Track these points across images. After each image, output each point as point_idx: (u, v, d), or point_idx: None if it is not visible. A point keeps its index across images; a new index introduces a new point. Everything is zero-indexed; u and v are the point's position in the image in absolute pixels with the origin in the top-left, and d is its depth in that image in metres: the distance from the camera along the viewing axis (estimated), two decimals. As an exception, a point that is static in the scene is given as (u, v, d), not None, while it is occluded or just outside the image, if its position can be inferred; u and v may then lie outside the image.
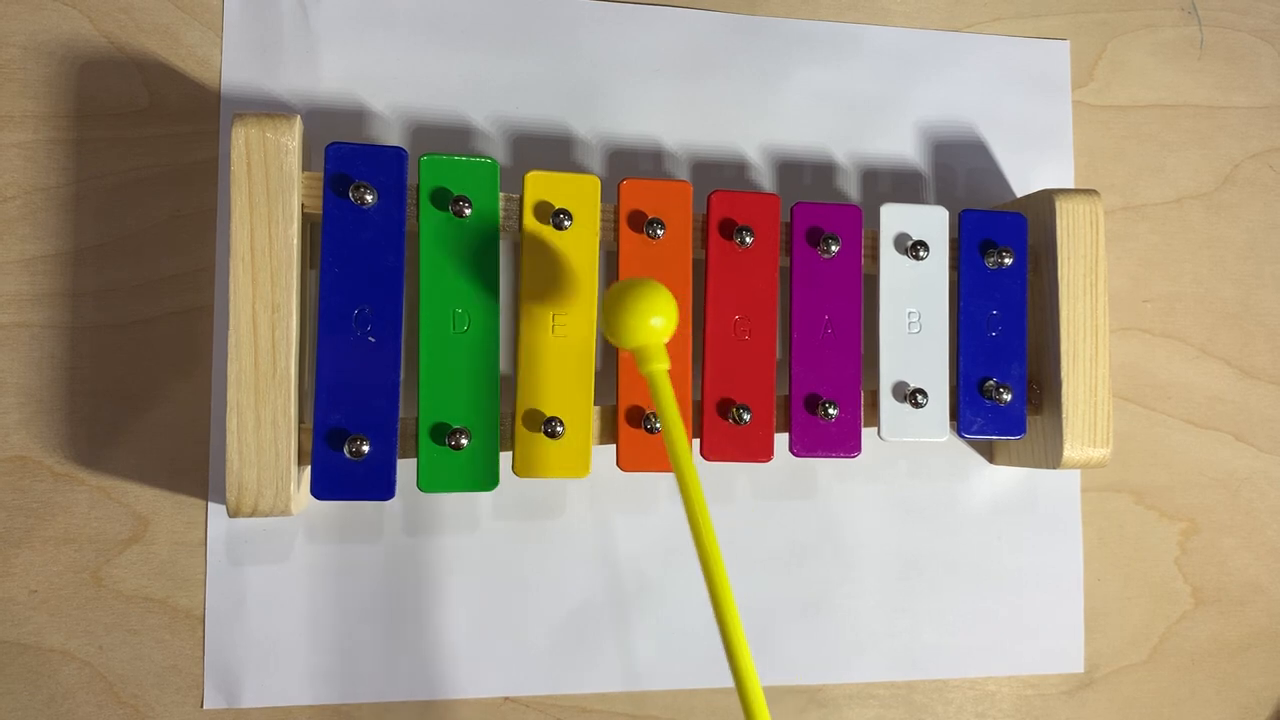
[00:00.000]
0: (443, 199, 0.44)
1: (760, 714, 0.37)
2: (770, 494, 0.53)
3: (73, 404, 0.48)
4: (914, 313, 0.49)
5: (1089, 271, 0.50)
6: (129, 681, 0.47)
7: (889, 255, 0.49)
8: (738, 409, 0.46)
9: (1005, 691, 0.55)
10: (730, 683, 0.52)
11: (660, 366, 0.40)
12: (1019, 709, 0.55)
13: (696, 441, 0.47)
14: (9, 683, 0.46)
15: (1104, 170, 0.58)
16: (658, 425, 0.45)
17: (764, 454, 0.47)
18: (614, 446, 0.46)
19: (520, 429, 0.45)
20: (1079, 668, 0.55)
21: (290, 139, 0.43)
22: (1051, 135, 0.57)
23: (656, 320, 0.40)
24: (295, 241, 0.43)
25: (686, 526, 0.52)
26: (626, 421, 0.46)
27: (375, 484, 0.43)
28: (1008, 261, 0.49)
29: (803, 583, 0.53)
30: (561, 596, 0.51)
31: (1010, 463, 0.54)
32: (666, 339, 0.41)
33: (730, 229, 0.47)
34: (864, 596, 0.53)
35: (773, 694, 0.52)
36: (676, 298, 0.46)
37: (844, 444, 0.48)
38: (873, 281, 0.49)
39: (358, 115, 0.51)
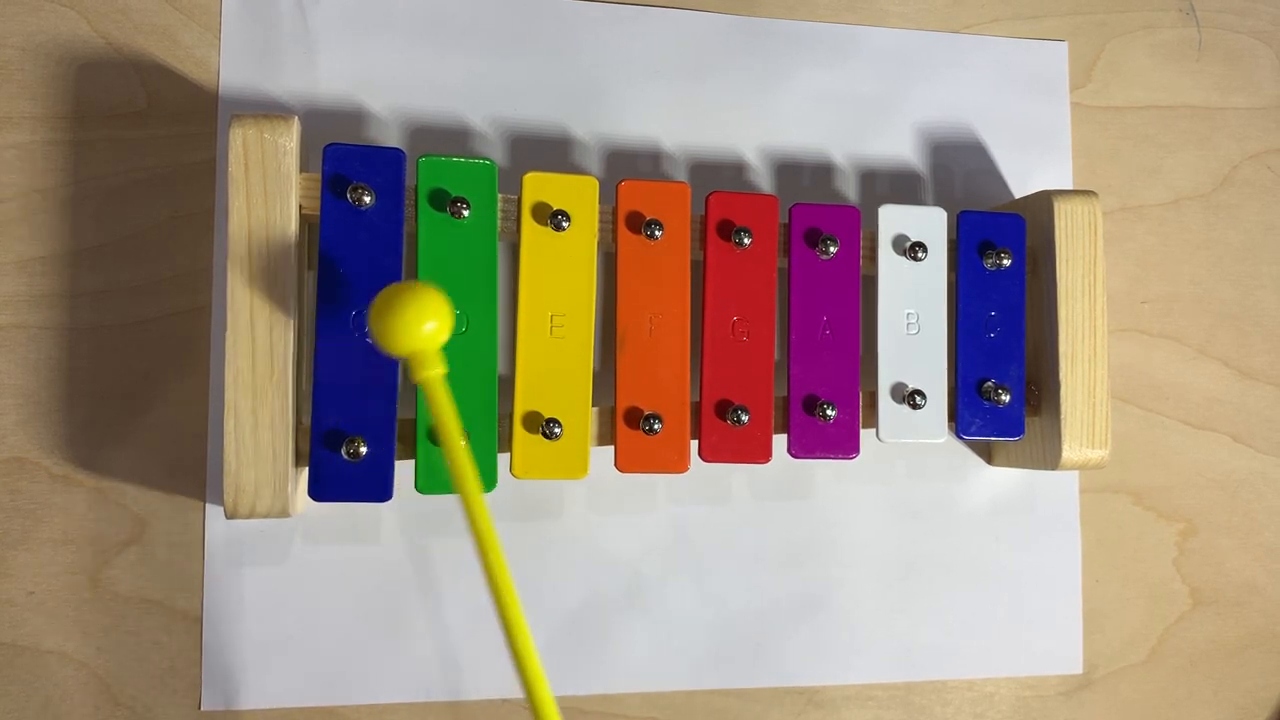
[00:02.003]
0: (441, 200, 0.44)
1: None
2: (769, 495, 0.53)
3: (70, 405, 0.48)
4: (912, 314, 0.49)
5: (1087, 272, 0.50)
6: (126, 683, 0.47)
7: (887, 256, 0.49)
8: (736, 410, 0.46)
9: (1003, 692, 0.55)
10: (730, 683, 0.52)
11: (435, 373, 0.38)
12: (1017, 710, 0.55)
13: (695, 442, 0.47)
14: (6, 684, 0.46)
15: (1102, 171, 0.58)
16: (656, 426, 0.45)
17: (762, 455, 0.47)
18: (612, 448, 0.46)
19: (518, 430, 0.45)
20: (1077, 669, 0.55)
21: (288, 140, 0.43)
22: (1050, 136, 0.57)
23: (429, 325, 0.38)
24: (293, 243, 0.43)
25: (705, 525, 0.52)
26: (625, 423, 0.46)
27: (373, 485, 0.43)
28: (1006, 262, 0.49)
29: (801, 584, 0.53)
30: (559, 597, 0.51)
31: (1009, 464, 0.54)
32: (441, 344, 0.39)
33: (729, 230, 0.47)
34: (862, 598, 0.53)
35: (771, 695, 0.52)
36: (675, 299, 0.46)
37: (842, 445, 0.48)
38: (871, 282, 0.49)
39: (356, 116, 0.51)
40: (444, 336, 0.39)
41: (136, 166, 0.49)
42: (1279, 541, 0.58)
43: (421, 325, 0.38)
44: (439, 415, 0.38)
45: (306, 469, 0.44)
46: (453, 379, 0.44)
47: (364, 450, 0.42)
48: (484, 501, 0.37)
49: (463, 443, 0.38)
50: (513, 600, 0.37)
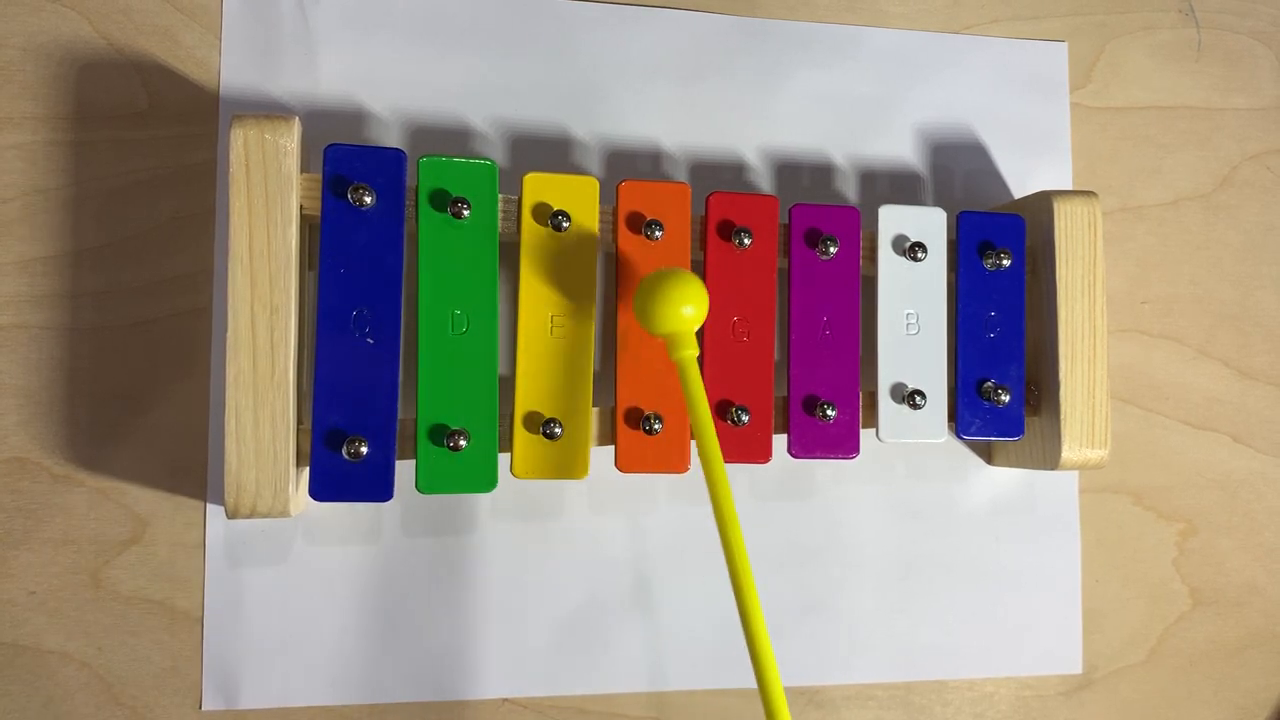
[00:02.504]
0: (441, 200, 0.44)
1: (781, 714, 0.38)
2: (768, 495, 0.53)
3: (72, 405, 0.48)
4: (912, 314, 0.49)
5: (1087, 273, 0.50)
6: (127, 683, 0.47)
7: (887, 257, 0.49)
8: (736, 410, 0.46)
9: (1003, 692, 0.55)
10: (729, 684, 0.52)
11: (690, 353, 0.42)
12: (1017, 710, 0.55)
13: (695, 443, 0.47)
14: (7, 684, 0.46)
15: (1102, 172, 0.58)
16: (656, 426, 0.45)
17: (762, 455, 0.47)
18: (612, 448, 0.46)
19: (519, 430, 0.45)
20: (1077, 669, 0.55)
21: (289, 140, 0.43)
22: (1049, 137, 0.57)
23: (688, 309, 0.42)
24: (294, 243, 0.43)
25: (705, 525, 0.52)
26: (625, 423, 0.46)
27: (374, 485, 0.43)
28: (1006, 263, 0.49)
29: (801, 584, 0.53)
30: (560, 598, 0.51)
31: (1008, 464, 0.54)
32: (697, 327, 0.43)
33: (729, 230, 0.47)
34: (862, 598, 0.53)
35: (771, 695, 0.52)
36: (675, 299, 0.46)
37: (842, 445, 0.48)
38: (871, 283, 0.49)
39: (356, 117, 0.51)
40: (699, 321, 0.43)
41: (138, 167, 0.49)
42: (1279, 542, 0.59)
43: (681, 308, 0.42)
44: (690, 394, 0.41)
45: (307, 469, 0.44)
46: (453, 379, 0.44)
47: (365, 450, 0.42)
48: (728, 481, 0.40)
49: (711, 424, 0.41)
50: (749, 580, 0.39)
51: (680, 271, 0.43)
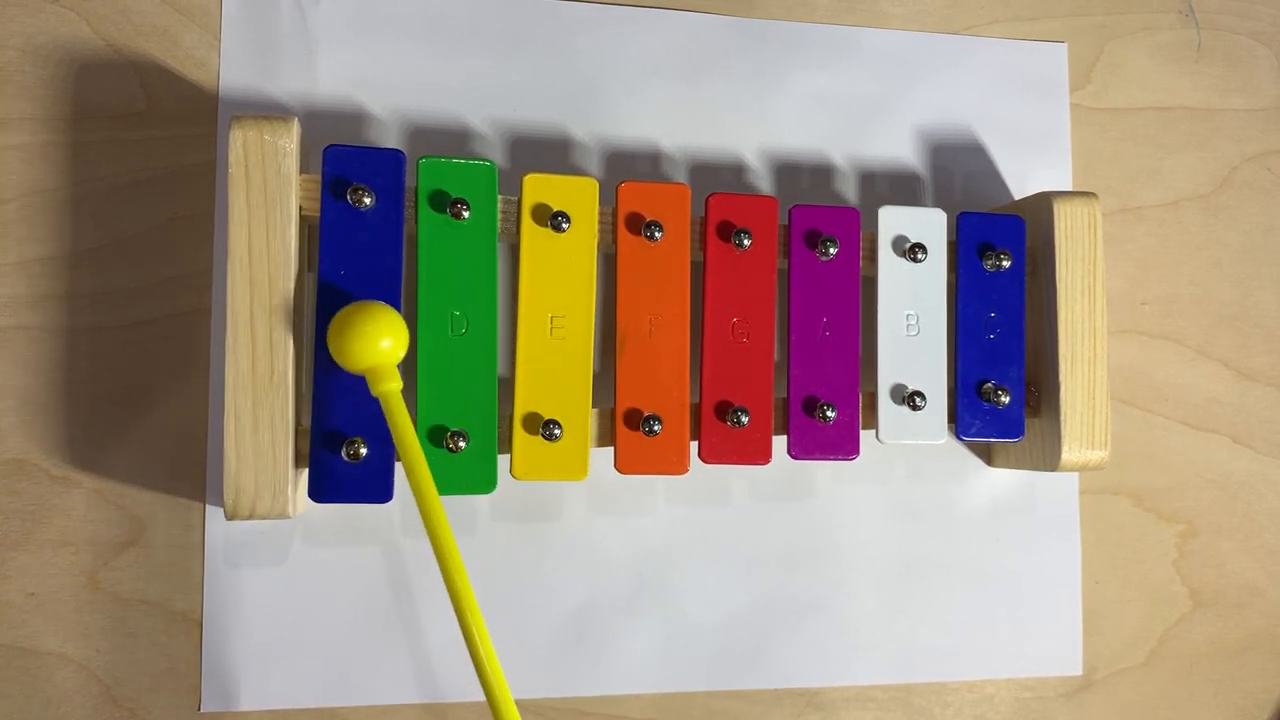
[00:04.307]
0: (441, 201, 0.44)
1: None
2: (768, 496, 0.53)
3: (70, 406, 0.48)
4: (912, 315, 0.49)
5: (1087, 274, 0.50)
6: (126, 684, 0.47)
7: (887, 257, 0.49)
8: (736, 411, 0.46)
9: (1003, 694, 0.54)
10: (730, 685, 0.52)
11: (393, 386, 0.41)
12: (1017, 711, 0.55)
13: (695, 444, 0.47)
14: (5, 685, 0.46)
15: (1101, 172, 0.58)
16: (656, 428, 0.45)
17: (762, 456, 0.47)
18: (612, 449, 0.46)
19: (518, 431, 0.45)
20: (1077, 670, 0.55)
21: (288, 141, 0.43)
22: (1049, 138, 0.57)
23: (385, 342, 0.41)
24: (293, 244, 0.43)
25: (705, 526, 0.52)
26: (624, 424, 0.46)
27: (373, 486, 0.43)
28: (1006, 264, 0.49)
29: (800, 585, 0.53)
30: (559, 599, 0.51)
31: (1008, 465, 0.54)
32: (397, 360, 0.41)
33: (728, 231, 0.47)
34: (862, 599, 0.53)
35: (771, 696, 0.52)
36: (675, 300, 0.46)
37: (842, 446, 0.48)
38: (871, 284, 0.49)
39: (356, 118, 0.51)
40: (399, 354, 0.41)
41: (137, 168, 0.49)
42: (1279, 543, 0.58)
43: (378, 342, 0.40)
44: (397, 430, 0.40)
45: (306, 470, 0.44)
46: (453, 380, 0.44)
47: (364, 451, 0.42)
48: (443, 510, 0.40)
49: (421, 454, 0.40)
50: (472, 604, 0.39)
51: (374, 304, 0.41)
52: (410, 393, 0.45)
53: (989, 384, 0.49)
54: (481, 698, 0.50)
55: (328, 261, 0.43)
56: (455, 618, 0.39)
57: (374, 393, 0.41)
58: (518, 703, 0.50)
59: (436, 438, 0.44)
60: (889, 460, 0.54)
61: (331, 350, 0.41)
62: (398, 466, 0.44)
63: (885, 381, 0.48)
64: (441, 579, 0.39)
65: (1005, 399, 0.48)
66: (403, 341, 0.41)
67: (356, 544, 0.49)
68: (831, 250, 0.47)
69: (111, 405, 0.48)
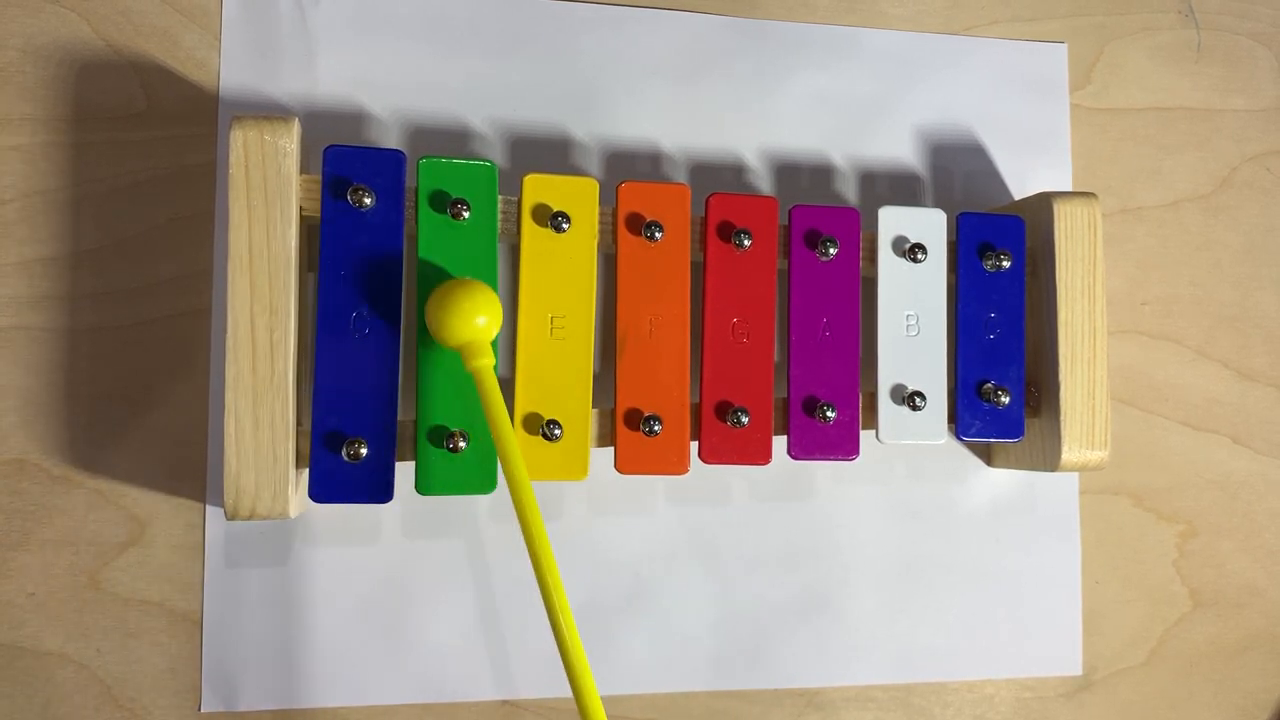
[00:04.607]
0: (441, 202, 0.44)
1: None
2: (768, 496, 0.53)
3: (70, 407, 0.48)
4: (912, 315, 0.49)
5: (1087, 274, 0.50)
6: (126, 684, 0.47)
7: (887, 258, 0.49)
8: (736, 411, 0.46)
9: (1003, 694, 0.55)
10: (730, 685, 0.52)
11: (486, 362, 0.41)
12: (1017, 711, 0.55)
13: (695, 444, 0.47)
14: (6, 685, 0.46)
15: (1101, 173, 0.58)
16: (656, 428, 0.45)
17: (762, 456, 0.47)
18: (612, 449, 0.46)
19: (518, 431, 0.45)
20: (1077, 670, 0.55)
21: (288, 142, 0.43)
22: (1049, 138, 0.57)
23: (481, 319, 0.41)
24: (293, 244, 0.43)
25: (704, 526, 0.52)
26: (625, 424, 0.46)
27: (373, 487, 0.43)
28: (1005, 264, 0.49)
29: (801, 585, 0.53)
30: (560, 599, 0.51)
31: (1008, 465, 0.54)
32: (491, 337, 0.42)
33: (728, 232, 0.47)
34: (862, 599, 0.53)
35: (771, 696, 0.52)
36: (675, 300, 0.46)
37: (842, 446, 0.48)
38: (871, 284, 0.49)
39: (356, 118, 0.51)
40: (493, 331, 0.42)
41: (137, 168, 0.49)
42: (1279, 543, 0.58)
43: (474, 319, 0.41)
44: (488, 403, 0.41)
45: (306, 470, 0.44)
46: (453, 380, 0.44)
47: (364, 452, 0.42)
48: (531, 491, 0.40)
49: (511, 432, 0.41)
50: (558, 585, 0.39)
51: (472, 281, 0.42)
52: (409, 393, 0.45)
53: (989, 384, 0.49)
54: (479, 697, 0.50)
55: (328, 261, 0.43)
56: (541, 599, 0.39)
57: (468, 368, 0.41)
58: (518, 702, 0.50)
59: (436, 438, 0.44)
60: (889, 460, 0.54)
61: (429, 325, 0.42)
62: (398, 466, 0.44)
63: (885, 382, 0.48)
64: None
65: (1005, 399, 0.48)
66: (497, 319, 0.42)
67: (357, 545, 0.49)
68: (831, 250, 0.47)
69: (111, 405, 0.48)
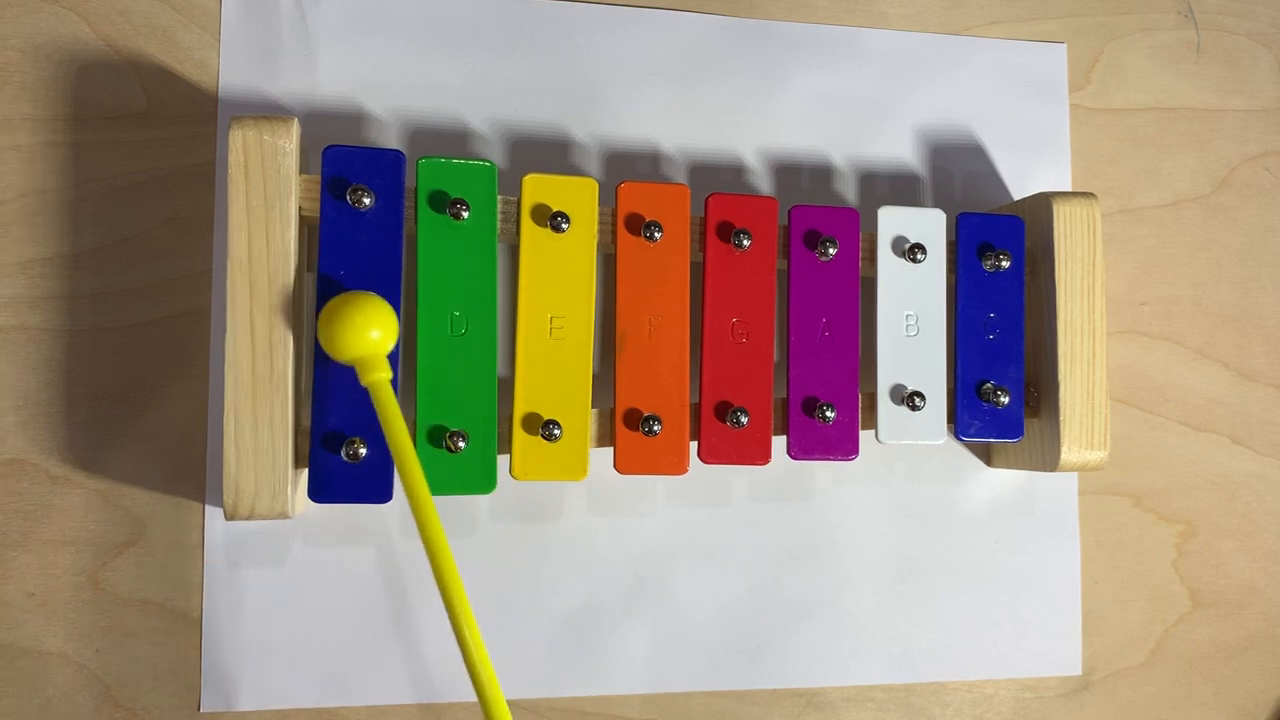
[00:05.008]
0: (440, 202, 0.44)
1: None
2: (768, 497, 0.53)
3: (70, 407, 0.48)
4: (911, 315, 0.49)
5: (1086, 274, 0.50)
6: (126, 684, 0.47)
7: (886, 258, 0.49)
8: (735, 412, 0.46)
9: (1003, 694, 0.55)
10: (729, 685, 0.52)
11: (382, 376, 0.40)
12: (1016, 712, 0.55)
13: (694, 444, 0.47)
14: (6, 686, 0.46)
15: (1101, 173, 0.58)
16: (655, 428, 0.45)
17: (762, 457, 0.47)
18: (611, 449, 0.46)
19: (518, 431, 0.45)
20: (1076, 670, 0.55)
21: (288, 142, 0.43)
22: (1048, 138, 0.57)
23: (375, 332, 0.40)
24: (293, 244, 0.43)
25: (704, 526, 0.52)
26: (624, 424, 0.46)
27: (373, 487, 0.43)
28: (1005, 264, 0.49)
29: (800, 585, 0.53)
30: (559, 599, 0.51)
31: (1008, 465, 0.54)
32: (386, 350, 0.41)
33: (728, 232, 0.47)
34: (862, 599, 0.53)
35: (770, 696, 0.52)
36: (675, 300, 0.46)
37: (841, 447, 0.48)
38: (870, 284, 0.49)
39: (355, 118, 0.51)
40: (389, 344, 0.41)
41: (136, 168, 0.49)
42: (1278, 543, 0.59)
43: (368, 332, 0.40)
44: (386, 419, 0.40)
45: (306, 470, 0.44)
46: (452, 380, 0.44)
47: (363, 451, 0.42)
48: (431, 500, 0.39)
49: (410, 444, 0.40)
50: (463, 600, 0.38)
51: (363, 294, 0.41)
52: (410, 393, 0.45)
53: (988, 384, 0.49)
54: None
55: (327, 262, 0.43)
56: (444, 607, 0.39)
57: (363, 383, 0.40)
58: (518, 702, 0.50)
59: (436, 438, 0.44)
60: (888, 460, 0.54)
61: (321, 340, 0.41)
62: (397, 467, 0.44)
63: (885, 382, 0.48)
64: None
65: (1004, 399, 0.48)
66: (392, 331, 0.41)
67: (356, 544, 0.49)
68: (831, 251, 0.47)
69: (111, 405, 0.48)
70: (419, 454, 0.44)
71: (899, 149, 0.56)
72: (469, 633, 0.38)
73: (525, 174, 0.46)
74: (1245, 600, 0.58)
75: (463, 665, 0.49)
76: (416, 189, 0.44)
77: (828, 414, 0.47)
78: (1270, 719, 0.58)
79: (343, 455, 0.42)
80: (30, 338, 0.48)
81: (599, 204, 0.46)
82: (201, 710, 0.48)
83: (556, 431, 0.44)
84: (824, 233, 0.48)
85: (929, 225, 0.49)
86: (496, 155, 0.52)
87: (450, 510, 0.50)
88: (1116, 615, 0.56)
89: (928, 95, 0.56)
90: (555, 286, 0.45)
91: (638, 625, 0.51)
